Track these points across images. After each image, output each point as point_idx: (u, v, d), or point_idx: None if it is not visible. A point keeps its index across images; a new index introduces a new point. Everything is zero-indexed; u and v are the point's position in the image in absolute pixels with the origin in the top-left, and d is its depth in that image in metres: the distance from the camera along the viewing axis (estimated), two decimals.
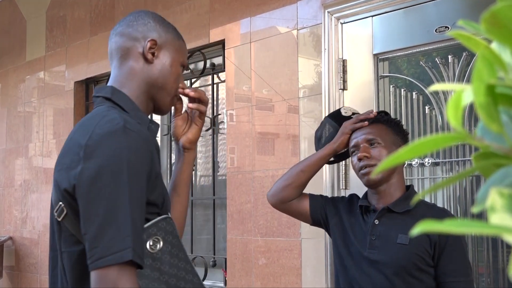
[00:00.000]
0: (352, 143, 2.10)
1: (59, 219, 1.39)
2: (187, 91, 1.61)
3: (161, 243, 1.39)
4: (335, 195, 2.78)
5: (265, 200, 3.15)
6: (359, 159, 2.03)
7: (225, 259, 3.43)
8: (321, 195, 2.22)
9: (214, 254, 3.64)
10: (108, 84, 1.54)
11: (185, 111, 1.69)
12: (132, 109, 1.47)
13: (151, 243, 1.37)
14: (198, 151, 3.95)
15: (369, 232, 2.01)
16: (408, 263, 1.93)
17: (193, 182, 3.88)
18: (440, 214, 1.99)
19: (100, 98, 1.49)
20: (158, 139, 4.17)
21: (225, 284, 3.44)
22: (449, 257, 1.93)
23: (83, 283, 1.35)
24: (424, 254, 1.93)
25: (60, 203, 1.37)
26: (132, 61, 1.53)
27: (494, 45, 0.49)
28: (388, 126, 2.07)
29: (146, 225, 1.36)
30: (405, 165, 2.21)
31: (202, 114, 1.68)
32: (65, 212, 1.36)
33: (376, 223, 2.01)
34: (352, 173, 2.82)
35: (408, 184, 2.13)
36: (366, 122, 2.07)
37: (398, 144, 2.05)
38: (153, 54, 1.53)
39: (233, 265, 3.29)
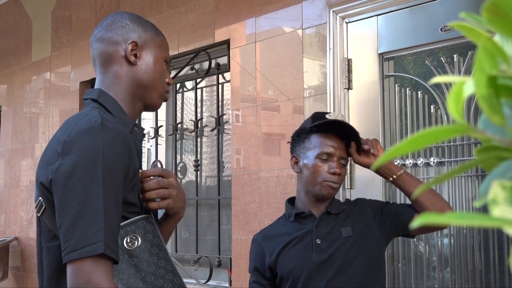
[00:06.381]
0: (326, 148, 2.10)
1: (39, 215, 1.43)
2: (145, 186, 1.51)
3: (140, 241, 1.41)
4: (340, 195, 2.78)
5: (270, 200, 3.15)
6: (334, 174, 2.08)
7: (230, 259, 3.42)
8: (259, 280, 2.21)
9: (219, 254, 3.63)
10: (95, 87, 1.57)
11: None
12: (116, 111, 1.51)
13: (128, 240, 1.39)
14: (203, 152, 3.94)
15: (313, 237, 2.08)
16: (357, 253, 2.06)
17: (198, 182, 3.88)
18: (361, 201, 2.22)
19: (88, 100, 1.53)
20: (163, 139, 4.17)
21: (230, 284, 3.43)
22: (397, 209, 2.15)
23: (59, 278, 1.38)
24: (367, 239, 2.09)
25: (40, 198, 1.41)
26: (116, 66, 1.55)
27: (497, 38, 0.48)
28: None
29: (124, 223, 1.39)
30: None
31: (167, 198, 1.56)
32: (43, 207, 1.40)
33: (317, 227, 2.10)
34: (357, 172, 2.82)
35: None
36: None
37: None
38: (135, 55, 1.56)
39: (238, 265, 3.29)
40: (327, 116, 2.15)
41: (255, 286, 2.19)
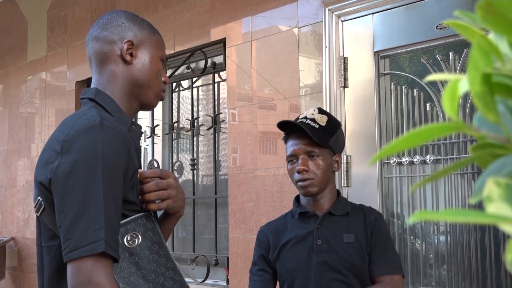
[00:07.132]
0: (289, 151, 2.12)
1: (38, 214, 1.43)
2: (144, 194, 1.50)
3: (140, 238, 1.41)
4: None
5: (267, 199, 3.15)
6: (298, 172, 2.08)
7: (227, 257, 3.42)
8: (260, 273, 2.19)
9: (216, 253, 3.63)
10: (91, 87, 1.57)
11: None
12: (114, 110, 1.50)
13: (128, 238, 1.39)
14: (200, 151, 3.94)
15: (314, 237, 2.08)
16: (357, 259, 2.05)
17: (195, 181, 3.88)
18: (371, 211, 2.17)
19: (85, 99, 1.53)
20: (159, 138, 4.17)
21: (228, 282, 3.43)
22: (380, 253, 2.09)
23: (60, 277, 1.38)
24: (365, 251, 2.08)
25: (39, 198, 1.41)
26: (112, 65, 1.55)
27: (491, 36, 0.48)
28: (324, 133, 2.09)
29: (124, 221, 1.39)
30: (336, 172, 2.25)
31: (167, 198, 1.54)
32: (43, 206, 1.40)
33: (319, 228, 2.09)
34: (354, 170, 2.82)
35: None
36: None
37: (330, 148, 2.12)
38: (131, 54, 1.55)
39: (235, 264, 3.29)
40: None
41: (261, 274, 2.15)
